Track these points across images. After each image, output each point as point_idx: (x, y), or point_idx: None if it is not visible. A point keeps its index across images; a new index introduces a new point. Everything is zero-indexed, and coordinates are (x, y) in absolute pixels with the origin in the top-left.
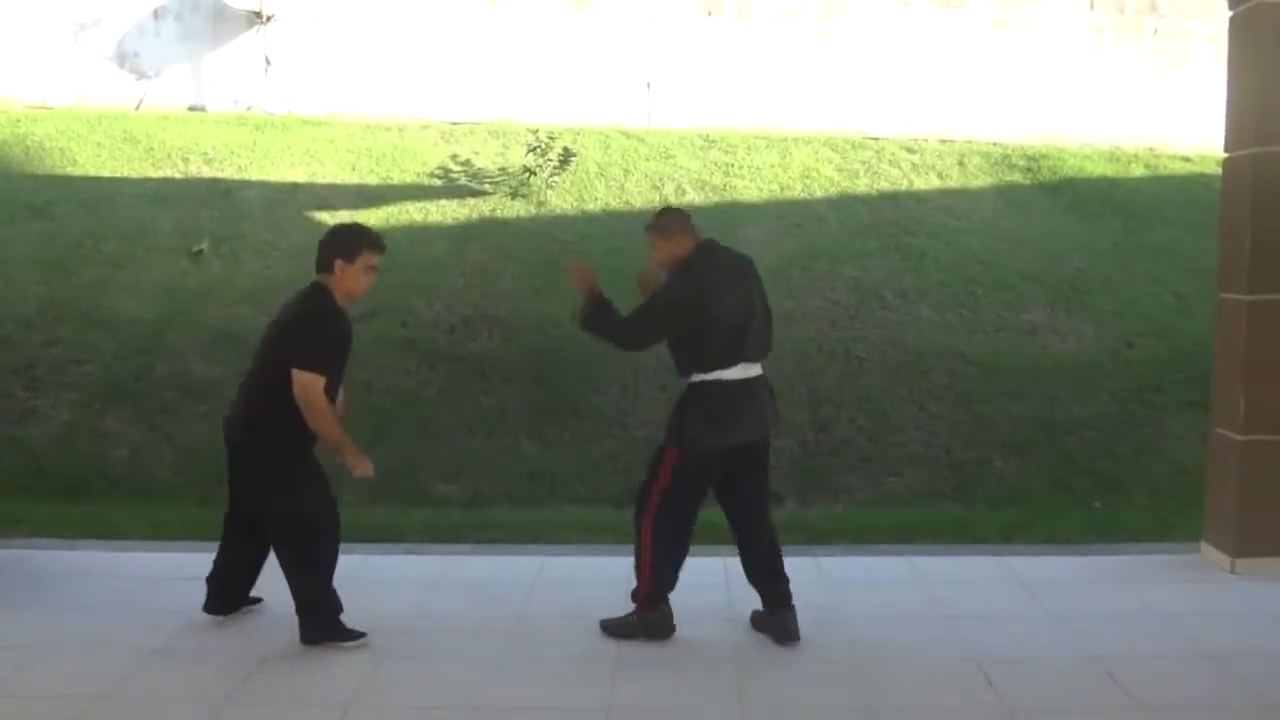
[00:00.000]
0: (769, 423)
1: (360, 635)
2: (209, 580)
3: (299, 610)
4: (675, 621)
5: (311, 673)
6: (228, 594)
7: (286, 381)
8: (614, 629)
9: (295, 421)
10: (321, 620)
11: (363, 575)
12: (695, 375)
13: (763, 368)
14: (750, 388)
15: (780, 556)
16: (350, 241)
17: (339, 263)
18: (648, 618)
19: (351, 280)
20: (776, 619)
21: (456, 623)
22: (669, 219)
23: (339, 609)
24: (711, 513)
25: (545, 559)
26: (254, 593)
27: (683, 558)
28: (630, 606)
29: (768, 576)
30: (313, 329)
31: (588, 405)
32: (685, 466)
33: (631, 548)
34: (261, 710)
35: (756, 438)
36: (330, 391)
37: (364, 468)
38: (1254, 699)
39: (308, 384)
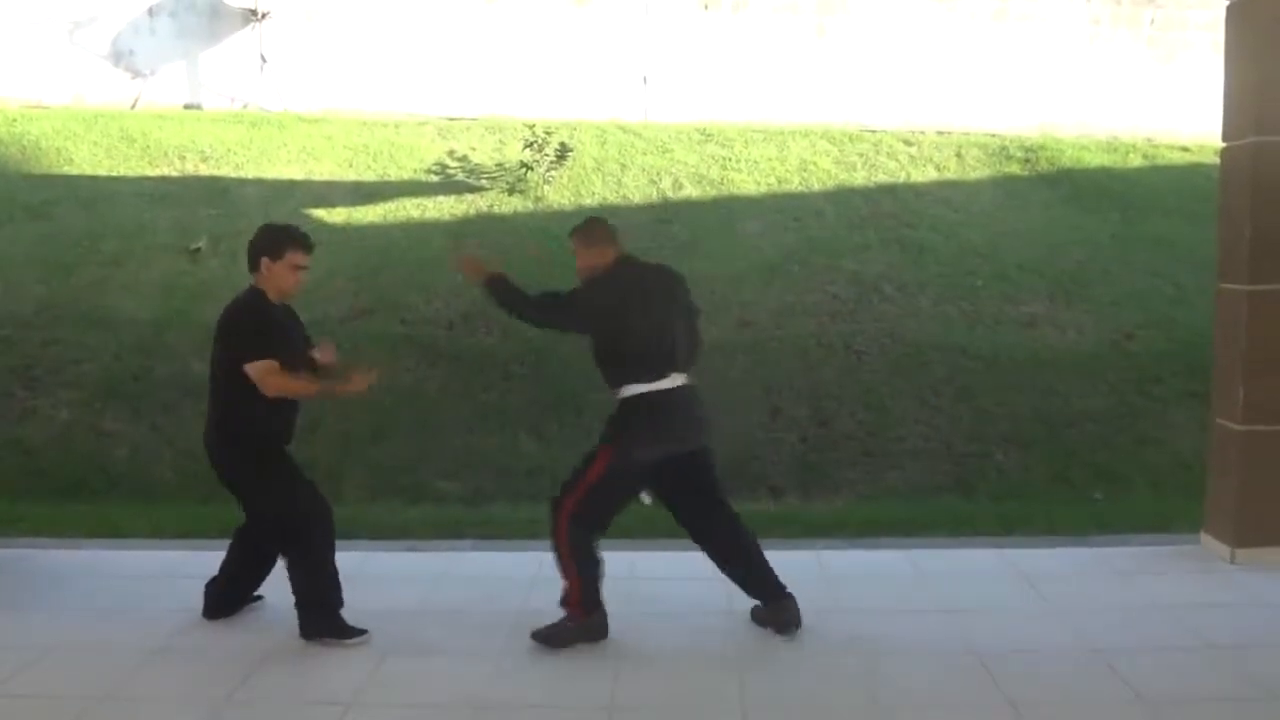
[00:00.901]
0: (705, 428)
1: (361, 632)
2: (208, 585)
3: (297, 606)
4: (607, 623)
5: (312, 671)
6: (228, 598)
7: (236, 384)
8: (548, 637)
9: (259, 422)
10: (320, 617)
11: (364, 572)
12: (630, 389)
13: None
14: (684, 396)
15: (757, 547)
16: (275, 240)
17: (264, 260)
18: (585, 621)
19: (279, 278)
20: (775, 607)
21: (457, 620)
22: (595, 228)
23: (339, 604)
24: None
25: (545, 555)
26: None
27: (598, 558)
28: (561, 614)
29: (743, 567)
30: (243, 324)
31: (587, 401)
32: (617, 470)
33: (634, 548)
34: (262, 709)
35: (694, 445)
36: (294, 371)
37: (358, 382)
38: (1254, 689)
39: (262, 372)
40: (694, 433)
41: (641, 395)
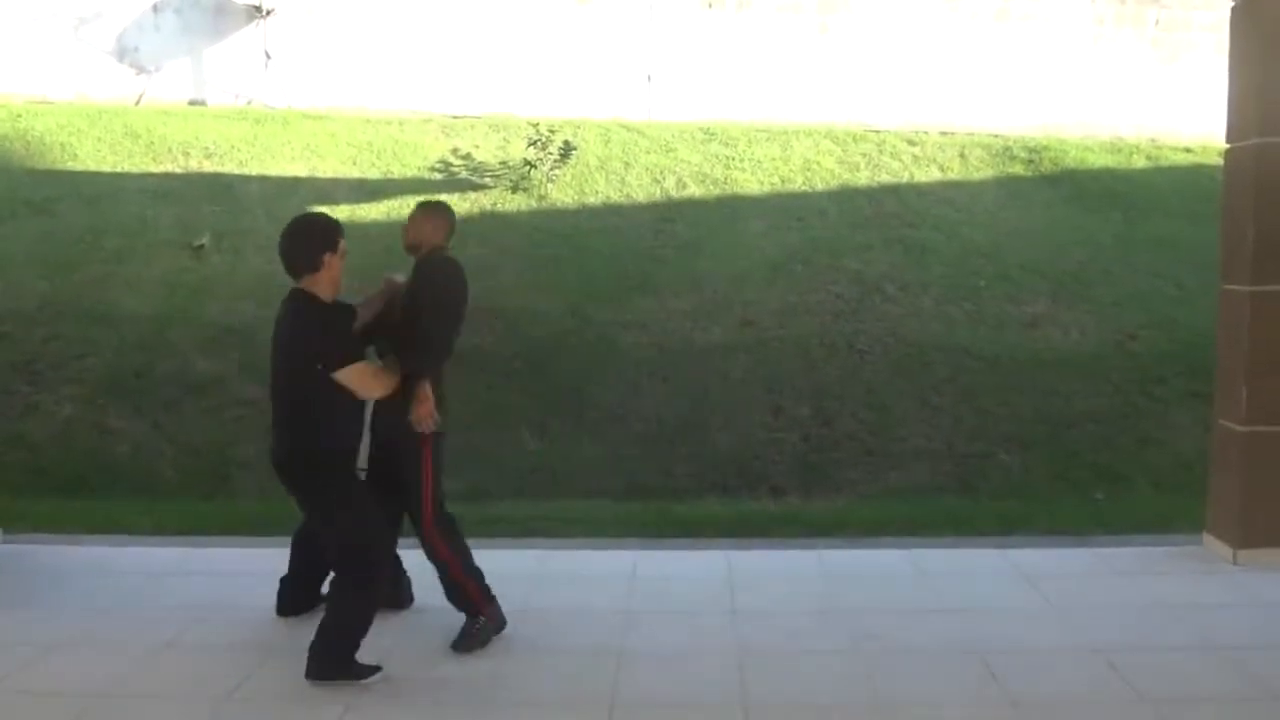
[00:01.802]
0: None
1: (376, 669)
2: (282, 581)
3: (320, 632)
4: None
5: None
6: (298, 595)
7: (315, 400)
8: (468, 643)
9: (337, 439)
10: (339, 664)
11: None
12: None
13: None
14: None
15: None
16: (329, 232)
17: (328, 256)
18: (490, 611)
19: (336, 270)
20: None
21: (458, 618)
22: (440, 206)
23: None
24: (712, 510)
25: (547, 553)
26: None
27: (466, 543)
28: (463, 619)
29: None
30: (321, 333)
31: (589, 399)
32: (438, 455)
33: (636, 548)
34: (265, 705)
35: None
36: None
37: (427, 423)
38: (1256, 689)
39: (353, 376)
40: None
41: (440, 374)
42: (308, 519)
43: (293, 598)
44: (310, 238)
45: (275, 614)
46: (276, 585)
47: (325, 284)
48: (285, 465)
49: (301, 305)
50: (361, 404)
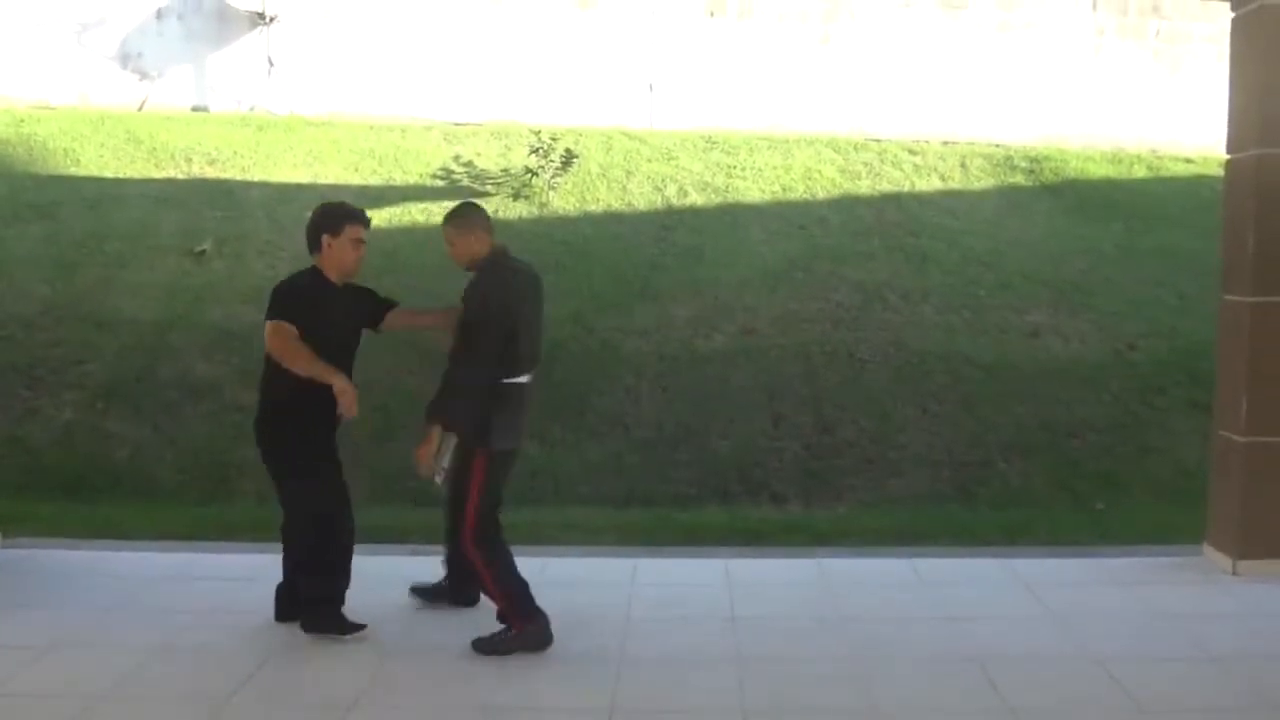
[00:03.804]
0: None
1: (360, 627)
2: (278, 589)
3: (303, 600)
4: (554, 631)
5: (314, 672)
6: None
7: (272, 362)
8: (488, 646)
9: (303, 405)
10: (321, 614)
11: (366, 575)
12: (497, 379)
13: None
14: (533, 394)
15: None
16: (334, 216)
17: (325, 238)
18: (525, 629)
19: (340, 253)
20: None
21: (459, 623)
22: (468, 213)
23: (341, 601)
24: (712, 517)
25: (547, 559)
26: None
27: (512, 558)
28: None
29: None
30: (279, 289)
31: (590, 405)
32: (493, 469)
33: (636, 555)
34: (264, 709)
35: (523, 444)
36: (341, 360)
37: (349, 405)
38: (1256, 700)
39: (270, 331)
40: (525, 432)
41: (507, 387)
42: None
43: (290, 604)
44: (315, 221)
45: (274, 619)
46: (275, 589)
47: (328, 264)
48: (256, 426)
49: (298, 272)
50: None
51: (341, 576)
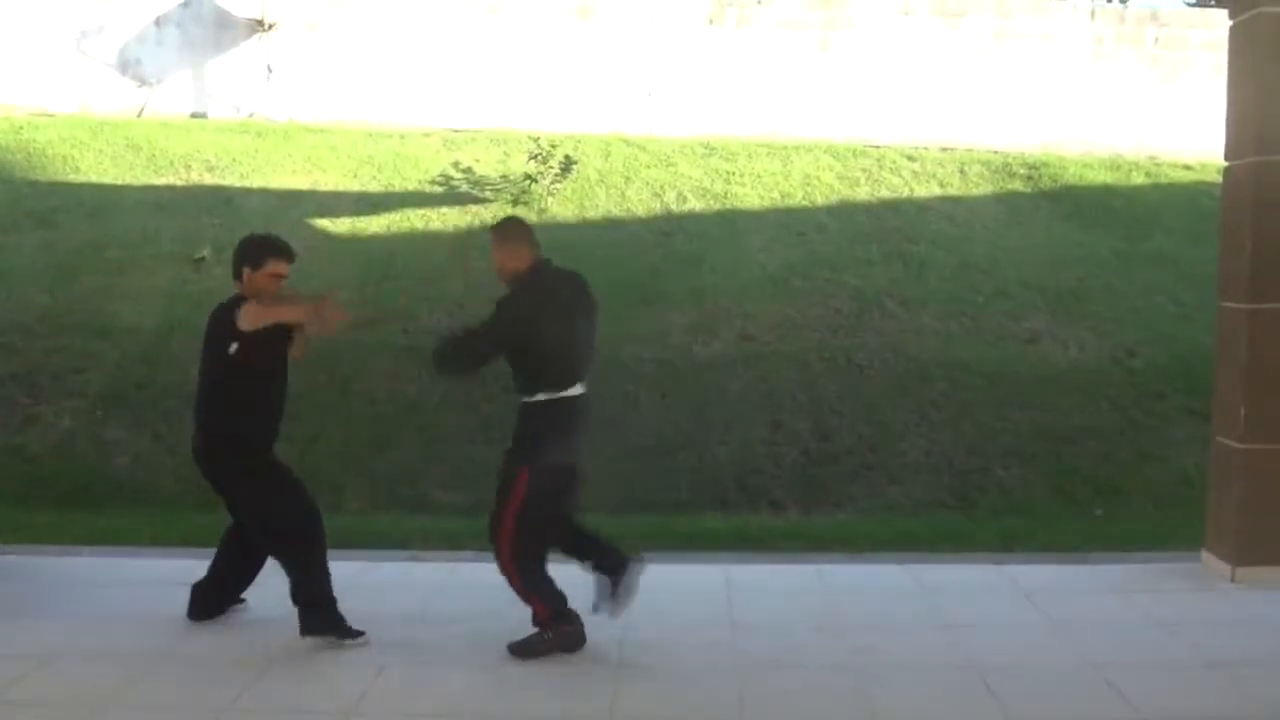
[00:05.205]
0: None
1: (359, 634)
2: (194, 587)
3: (297, 606)
4: (586, 633)
5: (314, 679)
6: (213, 600)
7: (222, 383)
8: (524, 649)
9: (245, 422)
10: (319, 616)
11: (365, 582)
12: (541, 394)
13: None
14: (587, 406)
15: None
16: (256, 250)
17: (245, 270)
18: (558, 629)
19: (259, 286)
20: (624, 575)
21: (458, 630)
22: (509, 227)
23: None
24: (711, 523)
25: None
26: (247, 594)
27: (546, 569)
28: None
29: (597, 551)
30: (217, 318)
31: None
32: (539, 485)
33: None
34: (263, 716)
35: (583, 458)
36: (279, 372)
37: (328, 320)
38: (1254, 707)
39: (244, 314)
40: (584, 445)
41: (553, 402)
42: (234, 511)
43: (210, 600)
44: (238, 252)
45: (272, 624)
46: (274, 597)
47: (248, 294)
48: (194, 447)
49: (226, 301)
50: (270, 394)
51: (329, 575)
